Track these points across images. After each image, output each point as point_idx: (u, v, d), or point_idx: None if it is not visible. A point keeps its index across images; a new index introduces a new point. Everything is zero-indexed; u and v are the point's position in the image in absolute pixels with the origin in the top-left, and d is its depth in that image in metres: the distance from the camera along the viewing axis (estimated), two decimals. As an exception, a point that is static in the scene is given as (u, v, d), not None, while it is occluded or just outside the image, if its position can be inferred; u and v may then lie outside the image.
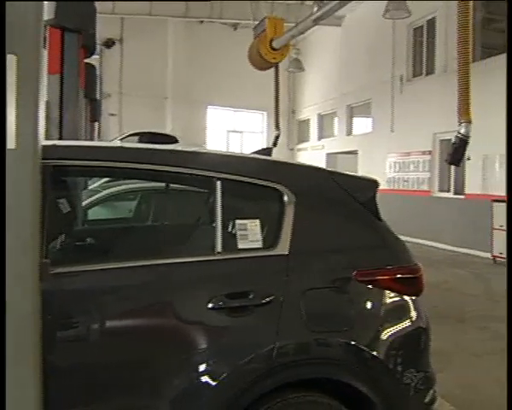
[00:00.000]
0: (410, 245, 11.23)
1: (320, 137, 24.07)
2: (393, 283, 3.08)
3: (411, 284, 3.18)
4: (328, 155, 22.93)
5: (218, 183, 2.86)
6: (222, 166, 2.93)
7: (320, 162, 22.20)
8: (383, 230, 3.21)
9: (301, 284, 2.86)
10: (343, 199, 3.13)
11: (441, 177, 16.35)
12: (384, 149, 18.64)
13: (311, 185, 3.13)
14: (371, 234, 3.18)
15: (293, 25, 14.73)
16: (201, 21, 21.99)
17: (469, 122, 6.88)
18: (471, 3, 7.25)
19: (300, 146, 25.79)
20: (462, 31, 6.98)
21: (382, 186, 14.15)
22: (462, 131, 6.88)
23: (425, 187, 16.82)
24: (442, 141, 15.46)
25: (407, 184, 17.69)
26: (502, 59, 13.94)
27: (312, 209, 3.04)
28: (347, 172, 3.47)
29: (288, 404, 2.77)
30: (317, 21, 13.26)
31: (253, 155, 3.46)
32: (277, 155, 19.18)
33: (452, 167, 14.43)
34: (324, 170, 3.34)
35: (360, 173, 3.35)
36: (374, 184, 3.28)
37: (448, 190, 16.11)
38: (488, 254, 13.51)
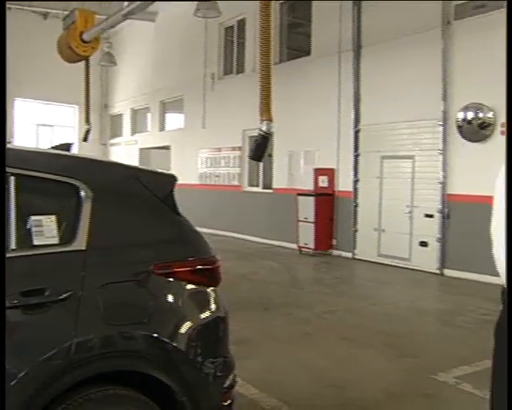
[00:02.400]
0: (222, 239, 11.65)
1: (133, 133, 23.85)
2: (192, 274, 3.17)
3: (209, 276, 3.28)
4: (142, 150, 22.81)
5: (12, 178, 2.78)
6: (15, 162, 2.83)
7: (133, 158, 22.04)
8: (181, 224, 3.28)
9: (99, 278, 2.85)
10: (142, 194, 3.16)
11: (251, 172, 16.96)
12: (196, 145, 18.94)
13: (109, 181, 3.13)
14: (170, 228, 3.24)
15: (105, 18, 14.47)
16: (9, 8, 20.84)
17: (270, 120, 7.21)
18: (272, 7, 7.61)
19: (113, 141, 25.39)
20: (264, 33, 7.29)
21: (194, 181, 14.40)
22: (264, 128, 7.20)
23: (236, 182, 17.34)
24: (251, 137, 15.97)
25: (218, 179, 18.12)
26: (305, 61, 14.76)
27: (110, 205, 3.05)
28: (146, 168, 3.52)
29: (90, 399, 2.75)
30: (127, 16, 13.13)
31: (49, 151, 3.39)
32: (89, 150, 18.74)
33: (261, 163, 15.04)
34: (123, 165, 3.35)
35: (159, 169, 3.35)
36: (172, 179, 3.34)
37: (257, 185, 16.75)
38: (295, 245, 14.25)
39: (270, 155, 15.31)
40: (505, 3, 10.21)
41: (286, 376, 5.60)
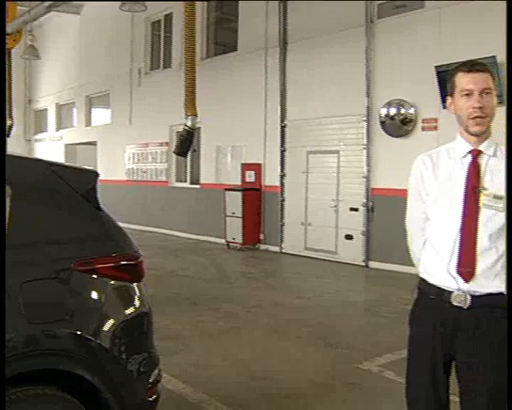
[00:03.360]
0: (151, 235, 11.56)
1: (58, 128, 23.33)
2: (115, 270, 3.14)
3: (132, 271, 3.27)
4: (67, 146, 22.36)
5: None
6: None
7: (58, 154, 21.61)
8: (104, 220, 3.25)
9: (19, 276, 2.81)
10: (63, 190, 3.11)
11: (178, 168, 16.90)
12: (123, 141, 18.71)
13: (29, 177, 3.07)
14: (92, 225, 3.20)
15: (27, 10, 14.13)
16: None
17: (195, 115, 7.24)
18: (198, 4, 7.62)
19: (38, 137, 24.78)
20: (188, 29, 7.30)
21: (122, 177, 14.24)
22: (189, 123, 7.22)
23: (163, 178, 17.24)
24: (178, 133, 15.92)
25: (146, 175, 17.96)
26: (232, 57, 14.81)
27: (31, 201, 3.00)
28: (67, 164, 3.48)
29: (10, 400, 2.69)
30: (51, 8, 12.88)
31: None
32: (13, 146, 18.21)
33: (188, 158, 15.03)
34: (43, 161, 3.28)
35: (79, 165, 3.31)
36: (94, 175, 3.30)
37: (185, 181, 16.70)
38: (223, 241, 14.30)
39: (195, 151, 15.31)
40: (425, 3, 10.57)
41: (214, 370, 5.63)
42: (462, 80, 2.60)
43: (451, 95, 2.67)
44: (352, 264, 11.80)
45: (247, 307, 8.22)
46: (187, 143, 7.22)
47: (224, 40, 16.25)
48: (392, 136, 11.19)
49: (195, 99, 7.25)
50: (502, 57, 9.28)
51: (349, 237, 12.04)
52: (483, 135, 2.61)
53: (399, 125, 11.03)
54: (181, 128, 8.68)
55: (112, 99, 19.70)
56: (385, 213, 11.04)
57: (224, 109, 14.70)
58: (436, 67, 9.81)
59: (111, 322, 3.08)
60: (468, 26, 9.96)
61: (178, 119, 11.51)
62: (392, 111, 11.10)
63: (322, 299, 8.96)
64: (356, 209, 11.90)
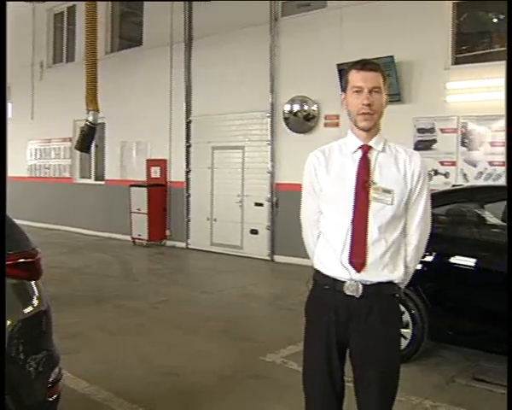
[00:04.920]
0: (55, 233, 11.27)
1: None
2: (13, 269, 3.09)
3: (31, 269, 3.22)
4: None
5: None
6: None
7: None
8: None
9: None
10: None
11: (82, 164, 16.55)
12: (25, 136, 18.10)
13: None
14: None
15: None
16: None
17: (97, 110, 7.13)
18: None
19: None
20: (90, 23, 7.18)
21: (24, 174, 13.83)
22: (90, 118, 7.11)
23: (67, 174, 16.84)
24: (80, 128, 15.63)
25: (49, 171, 17.48)
26: (138, 51, 14.61)
27: None
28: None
29: None
30: None
31: None
32: None
33: (93, 154, 14.78)
34: None
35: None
36: None
37: (89, 177, 16.38)
38: (128, 237, 14.14)
39: (97, 146, 15.06)
40: (328, 3, 10.84)
41: (118, 367, 5.58)
42: (354, 78, 2.71)
43: (345, 91, 2.79)
44: (258, 258, 11.95)
45: (152, 304, 8.18)
46: (88, 138, 7.11)
47: (129, 34, 16.03)
48: (296, 132, 11.41)
49: (97, 94, 7.14)
50: (399, 57, 9.67)
51: (254, 231, 12.18)
52: (372, 131, 2.73)
53: (303, 122, 11.26)
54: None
55: (13, 93, 18.99)
56: (289, 207, 11.20)
57: (128, 104, 14.51)
58: (338, 65, 10.07)
59: (8, 322, 3.02)
60: (368, 26, 10.29)
61: (82, 114, 11.26)
62: (296, 107, 11.32)
63: (228, 294, 9.03)
64: (261, 204, 12.05)
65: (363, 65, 2.71)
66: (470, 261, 5.56)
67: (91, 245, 14.13)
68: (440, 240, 5.81)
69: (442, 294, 5.74)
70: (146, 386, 5.12)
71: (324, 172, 2.78)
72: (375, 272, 2.67)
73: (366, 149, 2.73)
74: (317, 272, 2.82)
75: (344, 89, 2.79)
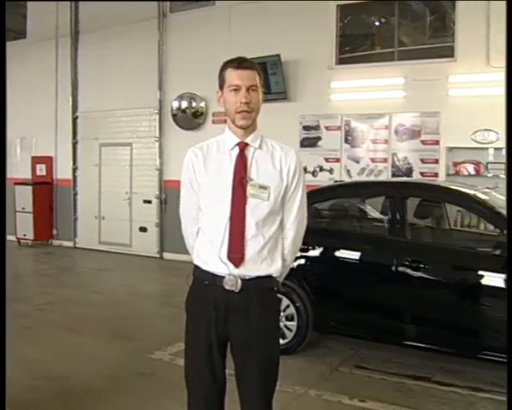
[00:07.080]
0: None
1: None
2: None
3: None
4: None
5: None
6: None
7: None
8: None
9: None
10: None
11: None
12: None
13: None
14: None
15: None
16: None
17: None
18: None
19: None
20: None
21: None
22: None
23: None
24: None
25: None
26: (22, 44, 14.12)
27: None
28: None
29: None
30: None
31: None
32: None
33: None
34: None
35: None
36: None
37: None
38: (13, 237, 13.64)
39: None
40: (216, 2, 10.91)
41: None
42: (231, 76, 2.73)
43: (221, 88, 2.81)
44: (147, 256, 11.87)
45: (38, 305, 7.96)
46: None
47: (13, 26, 15.40)
48: (184, 128, 11.41)
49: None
50: (286, 56, 9.88)
51: (143, 229, 12.09)
52: (249, 128, 2.77)
53: (191, 118, 11.27)
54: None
55: None
56: (177, 204, 11.08)
57: (12, 98, 13.85)
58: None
59: None
60: (256, 25, 10.44)
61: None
62: (184, 104, 11.32)
63: (116, 292, 8.92)
64: (149, 201, 11.98)
65: (240, 63, 2.72)
66: (351, 254, 5.77)
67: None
68: (323, 234, 6.02)
69: (325, 286, 5.92)
70: (28, 391, 4.92)
71: (202, 169, 2.79)
72: (254, 267, 2.71)
73: (243, 147, 2.77)
74: (197, 267, 2.84)
75: (220, 86, 2.80)
